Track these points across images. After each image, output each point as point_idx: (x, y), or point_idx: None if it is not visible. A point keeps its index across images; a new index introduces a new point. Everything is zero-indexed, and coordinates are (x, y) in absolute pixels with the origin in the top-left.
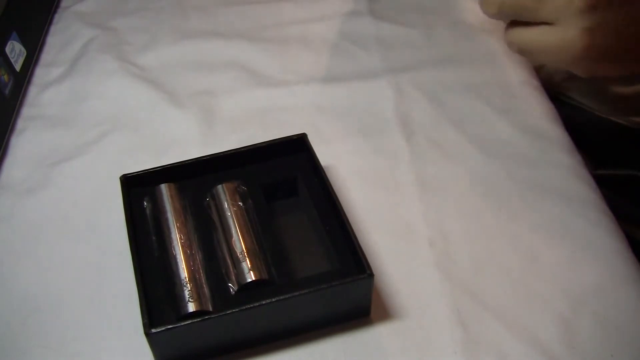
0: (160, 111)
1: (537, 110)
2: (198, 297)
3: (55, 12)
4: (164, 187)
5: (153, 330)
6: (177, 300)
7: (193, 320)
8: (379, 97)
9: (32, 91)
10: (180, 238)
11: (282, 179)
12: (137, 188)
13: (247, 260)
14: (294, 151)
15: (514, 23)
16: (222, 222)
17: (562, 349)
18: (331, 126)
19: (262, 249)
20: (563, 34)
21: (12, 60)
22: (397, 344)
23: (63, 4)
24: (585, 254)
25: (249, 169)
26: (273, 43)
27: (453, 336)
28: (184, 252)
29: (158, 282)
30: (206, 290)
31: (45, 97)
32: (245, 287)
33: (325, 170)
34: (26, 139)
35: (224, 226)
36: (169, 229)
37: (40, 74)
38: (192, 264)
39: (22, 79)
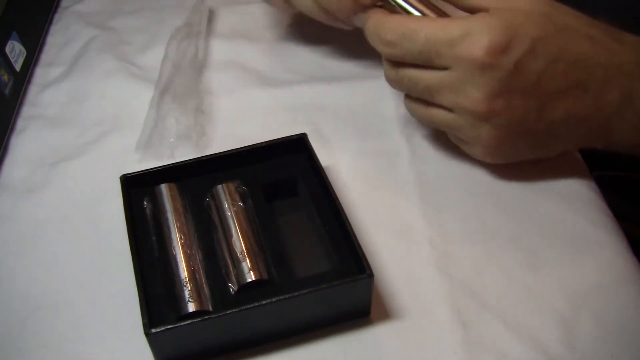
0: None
1: None
2: (198, 297)
3: (55, 12)
4: (164, 187)
5: (153, 330)
6: (177, 300)
7: (193, 320)
8: (380, 97)
9: (32, 91)
10: (180, 238)
11: (282, 179)
12: (137, 188)
13: (247, 260)
14: (294, 151)
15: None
16: (222, 222)
17: (562, 349)
18: (331, 126)
19: (262, 249)
20: (471, 149)
21: (12, 60)
22: (397, 344)
23: (63, 4)
24: (585, 254)
25: (249, 169)
26: (273, 43)
27: (453, 336)
28: (184, 252)
29: (158, 282)
30: (206, 290)
31: (45, 97)
32: (245, 287)
33: (325, 170)
34: (26, 139)
35: (224, 226)
36: (169, 229)
37: (40, 74)
38: (192, 264)
39: (22, 79)
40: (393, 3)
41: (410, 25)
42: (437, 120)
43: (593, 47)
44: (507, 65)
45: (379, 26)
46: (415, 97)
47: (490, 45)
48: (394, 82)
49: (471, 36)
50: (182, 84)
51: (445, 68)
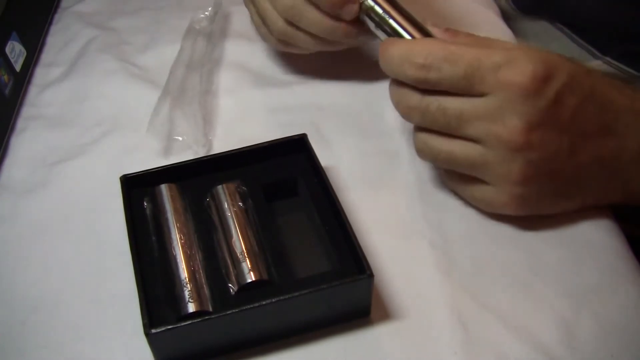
0: None
1: None
2: (198, 297)
3: (55, 12)
4: (164, 187)
5: (153, 331)
6: (177, 300)
7: (193, 321)
8: (380, 97)
9: (32, 91)
10: (180, 238)
11: (282, 179)
12: (137, 188)
13: (247, 260)
14: (294, 151)
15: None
16: (222, 223)
17: (563, 349)
18: (331, 126)
19: (262, 249)
20: (493, 195)
21: (12, 60)
22: (397, 344)
23: (63, 4)
24: (585, 254)
25: (249, 169)
26: None
27: (453, 336)
28: (184, 252)
29: (158, 282)
30: (206, 290)
31: (45, 97)
32: (245, 288)
33: (325, 170)
34: (26, 139)
35: (224, 226)
36: (169, 229)
37: (40, 74)
38: (192, 264)
39: (22, 79)
40: (382, 25)
41: (451, 49)
42: (460, 155)
43: (614, 91)
44: (549, 94)
45: (408, 50)
46: (434, 130)
47: (536, 72)
48: (415, 110)
49: (516, 62)
50: (193, 83)
51: (482, 95)
